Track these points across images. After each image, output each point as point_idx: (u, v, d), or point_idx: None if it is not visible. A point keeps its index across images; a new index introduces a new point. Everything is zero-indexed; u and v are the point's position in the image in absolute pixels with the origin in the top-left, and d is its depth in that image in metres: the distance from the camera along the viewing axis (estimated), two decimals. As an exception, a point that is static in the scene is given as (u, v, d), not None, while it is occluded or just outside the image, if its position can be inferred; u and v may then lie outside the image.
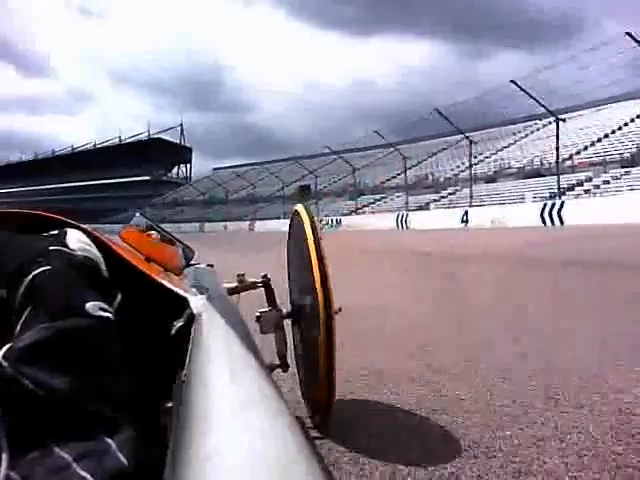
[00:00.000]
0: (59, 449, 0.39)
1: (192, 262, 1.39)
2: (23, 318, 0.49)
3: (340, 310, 1.28)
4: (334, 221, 32.30)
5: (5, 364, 0.43)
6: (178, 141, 72.66)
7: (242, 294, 1.51)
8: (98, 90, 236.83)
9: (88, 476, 0.38)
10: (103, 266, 0.63)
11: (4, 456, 0.38)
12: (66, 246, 0.60)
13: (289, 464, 0.28)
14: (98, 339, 0.49)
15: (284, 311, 1.49)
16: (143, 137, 71.98)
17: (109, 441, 0.41)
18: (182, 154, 71.25)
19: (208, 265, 1.49)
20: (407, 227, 25.48)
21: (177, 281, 0.92)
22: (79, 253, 0.60)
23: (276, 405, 0.37)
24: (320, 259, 1.24)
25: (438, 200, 31.32)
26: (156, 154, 66.37)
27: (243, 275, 1.52)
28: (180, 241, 1.22)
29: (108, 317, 0.52)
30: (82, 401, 0.43)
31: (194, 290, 0.85)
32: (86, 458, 0.39)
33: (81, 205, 61.13)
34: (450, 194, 31.50)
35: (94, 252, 0.63)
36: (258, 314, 1.43)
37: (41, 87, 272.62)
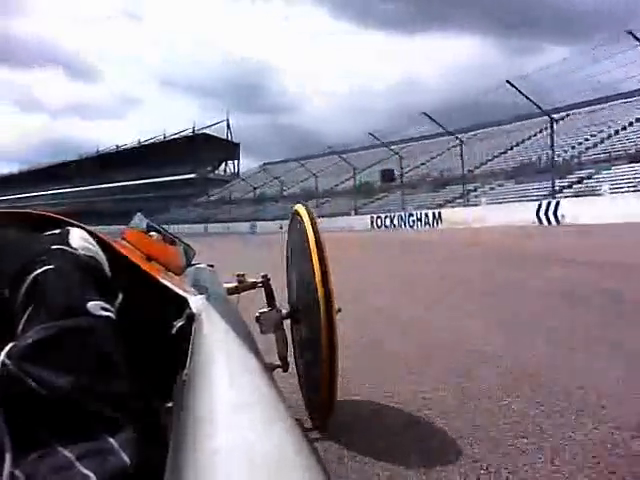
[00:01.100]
0: (62, 448, 0.40)
1: (193, 262, 1.40)
2: (25, 317, 0.49)
3: (340, 310, 1.28)
4: (430, 216, 22.93)
5: (8, 362, 0.43)
6: (225, 137, 65.28)
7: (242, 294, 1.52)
8: (145, 94, 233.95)
9: (91, 475, 0.38)
10: (106, 265, 0.63)
11: (8, 454, 0.38)
12: (69, 245, 0.60)
13: (288, 464, 0.28)
14: (99, 339, 0.49)
15: (284, 311, 1.50)
16: (188, 133, 64.62)
17: (111, 440, 0.41)
18: (229, 150, 63.66)
19: (209, 265, 1.49)
20: (558, 221, 17.28)
21: (178, 281, 0.92)
22: (82, 252, 0.60)
23: (276, 405, 0.37)
24: (321, 259, 1.24)
25: (572, 184, 21.08)
26: (202, 150, 59.45)
27: (243, 275, 1.53)
28: (181, 240, 1.22)
29: (109, 316, 0.52)
30: (84, 400, 0.43)
31: (194, 290, 0.86)
32: (89, 457, 0.39)
33: (122, 206, 55.97)
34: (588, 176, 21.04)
35: (97, 251, 0.63)
36: (257, 314, 1.44)
37: (88, 92, 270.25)
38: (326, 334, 1.19)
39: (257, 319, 1.43)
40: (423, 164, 33.41)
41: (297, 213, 1.45)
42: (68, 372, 0.44)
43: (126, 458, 0.40)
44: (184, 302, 0.71)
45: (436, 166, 31.77)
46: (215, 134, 64.83)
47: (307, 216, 1.35)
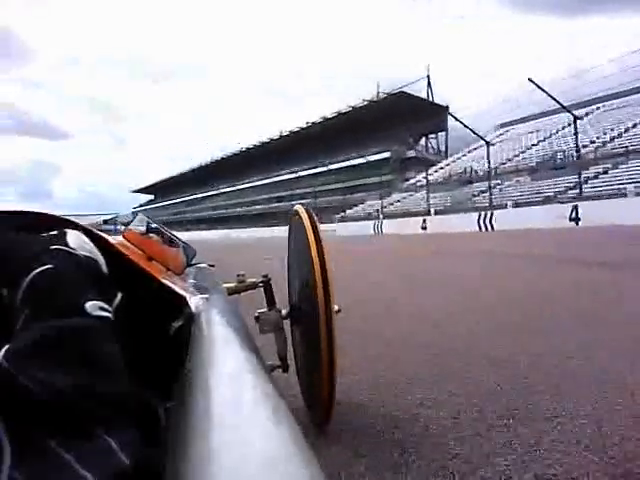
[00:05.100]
0: (60, 449, 0.39)
1: (193, 262, 1.40)
2: (23, 317, 0.49)
3: (340, 311, 1.27)
4: None
5: (5, 363, 0.43)
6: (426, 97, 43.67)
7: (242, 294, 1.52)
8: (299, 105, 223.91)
9: (89, 475, 0.38)
10: (104, 265, 0.63)
11: (7, 456, 0.38)
12: (67, 245, 0.60)
13: (288, 465, 0.28)
14: (97, 339, 0.49)
15: (283, 311, 1.49)
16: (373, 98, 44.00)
17: (110, 441, 0.41)
18: (435, 116, 41.66)
19: (209, 265, 1.49)
20: None
21: (178, 281, 0.92)
22: (80, 252, 0.60)
23: (276, 406, 0.37)
24: (320, 258, 1.24)
25: None
26: (398, 119, 41.23)
27: (243, 275, 1.52)
28: (181, 240, 1.22)
29: (107, 317, 0.52)
30: (82, 401, 0.43)
31: (194, 290, 0.86)
32: (87, 458, 0.39)
33: (281, 205, 44.69)
34: None
35: (94, 251, 0.63)
36: (257, 314, 1.44)
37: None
38: (325, 335, 1.19)
39: (257, 319, 1.43)
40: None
41: (297, 213, 1.45)
42: (66, 373, 0.44)
43: (125, 459, 0.40)
44: (184, 302, 0.71)
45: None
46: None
47: (307, 216, 1.35)
